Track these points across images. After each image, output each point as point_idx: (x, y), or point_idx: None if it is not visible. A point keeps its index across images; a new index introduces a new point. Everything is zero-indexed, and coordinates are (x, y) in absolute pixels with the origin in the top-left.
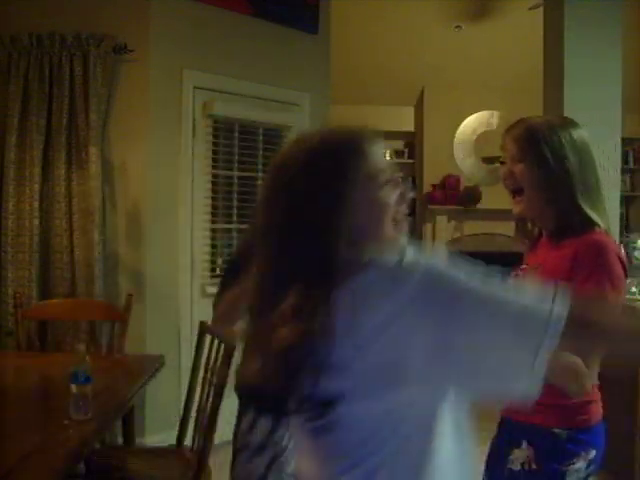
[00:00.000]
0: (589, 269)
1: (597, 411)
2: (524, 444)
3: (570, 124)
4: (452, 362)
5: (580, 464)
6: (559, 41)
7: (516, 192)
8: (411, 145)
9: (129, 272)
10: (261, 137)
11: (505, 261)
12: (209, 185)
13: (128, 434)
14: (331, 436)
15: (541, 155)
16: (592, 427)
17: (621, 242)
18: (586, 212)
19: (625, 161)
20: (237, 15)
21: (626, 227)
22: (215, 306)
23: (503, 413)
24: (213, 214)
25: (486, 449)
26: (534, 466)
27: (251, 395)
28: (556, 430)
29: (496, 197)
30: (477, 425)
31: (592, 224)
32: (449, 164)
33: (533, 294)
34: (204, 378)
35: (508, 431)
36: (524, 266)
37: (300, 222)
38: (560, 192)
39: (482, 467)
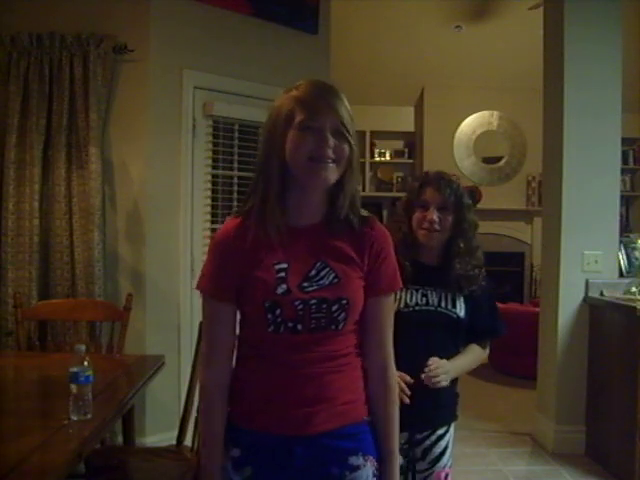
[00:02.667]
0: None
1: None
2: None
3: None
4: None
5: None
6: (559, 41)
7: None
8: (411, 145)
9: (129, 272)
10: (261, 137)
11: (505, 261)
12: (209, 185)
13: (128, 434)
14: None
15: None
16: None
17: (621, 242)
18: None
19: (625, 161)
20: (237, 15)
21: (626, 227)
22: None
23: None
24: (213, 214)
25: (485, 450)
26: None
27: None
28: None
29: (496, 197)
30: (474, 425)
31: None
32: (449, 164)
33: None
34: None
35: None
36: None
37: None
38: None
39: (479, 468)
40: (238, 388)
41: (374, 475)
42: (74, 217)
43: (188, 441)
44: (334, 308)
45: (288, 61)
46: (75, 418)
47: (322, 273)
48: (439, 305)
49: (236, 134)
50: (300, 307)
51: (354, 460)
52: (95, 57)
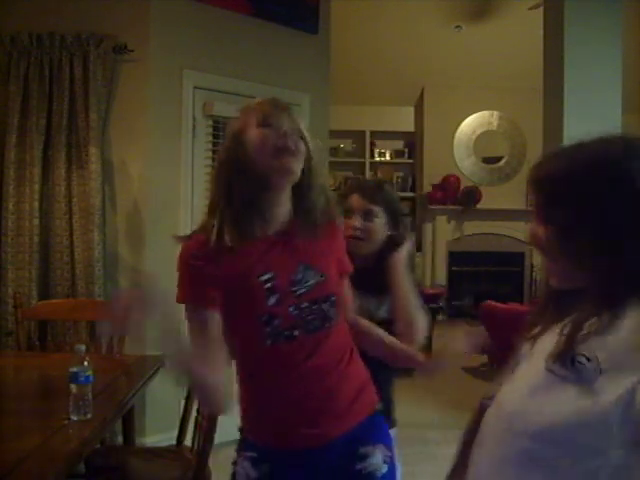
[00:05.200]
0: None
1: None
2: None
3: None
4: None
5: None
6: (559, 41)
7: None
8: (411, 145)
9: (129, 272)
10: None
11: (505, 261)
12: (209, 185)
13: (128, 434)
14: None
15: None
16: None
17: None
18: None
19: None
20: (237, 15)
21: None
22: None
23: None
24: None
25: None
26: None
27: None
28: None
29: (496, 197)
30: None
31: None
32: (449, 164)
33: None
34: None
35: None
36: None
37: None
38: None
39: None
40: (245, 408)
41: (385, 462)
42: (74, 217)
43: (188, 441)
44: (324, 306)
45: (288, 61)
46: (75, 418)
47: (307, 274)
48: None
49: None
50: (295, 313)
51: (363, 450)
52: (95, 57)
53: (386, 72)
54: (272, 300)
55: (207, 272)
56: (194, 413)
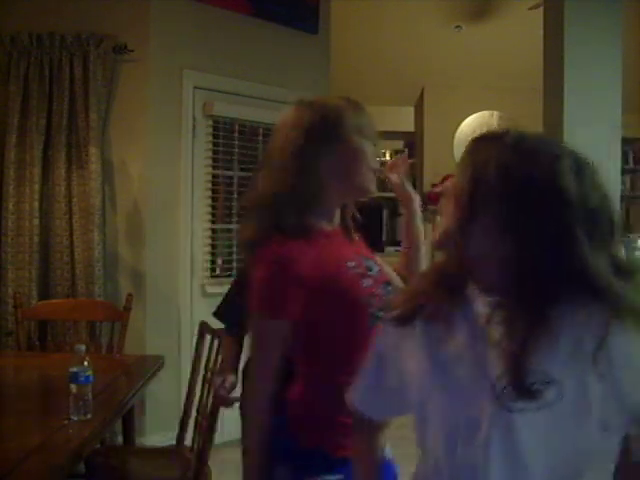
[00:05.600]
0: None
1: None
2: None
3: None
4: None
5: None
6: (559, 41)
7: None
8: (411, 145)
9: (129, 272)
10: (261, 137)
11: None
12: (209, 185)
13: (128, 434)
14: None
15: None
16: None
17: (621, 242)
18: None
19: (625, 161)
20: (237, 15)
21: (626, 227)
22: (218, 315)
23: None
24: (213, 214)
25: None
26: None
27: None
28: None
29: None
30: None
31: None
32: (449, 164)
33: None
34: (204, 378)
35: None
36: None
37: None
38: None
39: None
40: (320, 417)
41: None
42: (74, 217)
43: (188, 441)
44: (390, 288)
45: (288, 61)
46: (75, 418)
47: (368, 262)
48: None
49: (236, 134)
50: (383, 292)
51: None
52: (95, 57)
53: (386, 72)
54: (367, 282)
55: (305, 274)
56: (194, 413)
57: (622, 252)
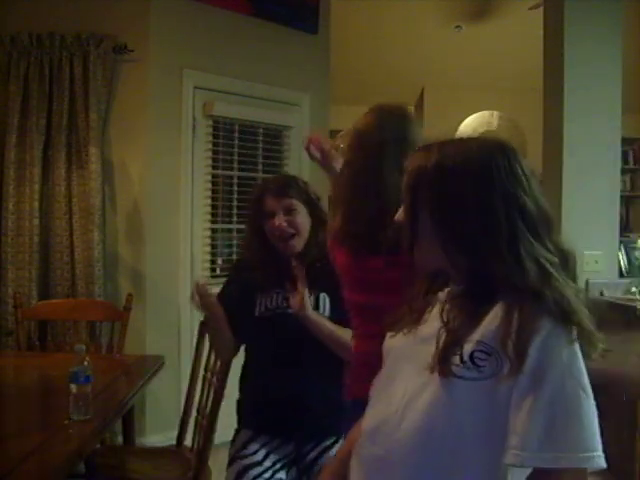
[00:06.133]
0: None
1: None
2: None
3: None
4: None
5: None
6: (559, 41)
7: None
8: None
9: (129, 272)
10: (261, 137)
11: None
12: (209, 185)
13: (128, 434)
14: None
15: None
16: None
17: (621, 242)
18: None
19: (625, 161)
20: (237, 15)
21: (626, 227)
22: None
23: None
24: (213, 214)
25: None
26: None
27: None
28: None
29: None
30: None
31: None
32: None
33: None
34: (204, 378)
35: None
36: None
37: None
38: None
39: None
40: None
41: None
42: (74, 217)
43: (188, 441)
44: None
45: (288, 61)
46: (75, 418)
47: None
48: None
49: (236, 134)
50: None
51: None
52: (95, 57)
53: (386, 72)
54: None
55: None
56: (194, 413)
57: (562, 242)
